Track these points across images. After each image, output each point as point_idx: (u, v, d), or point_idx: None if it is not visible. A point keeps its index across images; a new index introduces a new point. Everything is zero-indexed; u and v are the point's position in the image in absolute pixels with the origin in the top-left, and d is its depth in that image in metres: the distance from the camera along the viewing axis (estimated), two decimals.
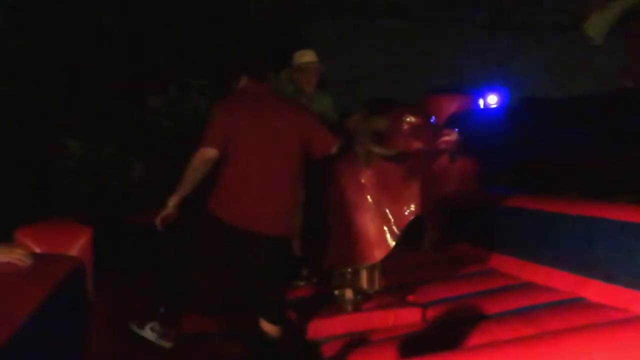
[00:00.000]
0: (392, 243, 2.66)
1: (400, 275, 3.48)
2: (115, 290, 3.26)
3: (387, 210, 2.64)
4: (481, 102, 4.79)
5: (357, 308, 2.84)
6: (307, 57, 3.44)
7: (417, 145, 2.62)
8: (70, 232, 2.77)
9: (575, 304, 2.93)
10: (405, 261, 3.78)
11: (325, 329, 2.71)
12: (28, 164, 4.27)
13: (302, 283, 3.35)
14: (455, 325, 2.61)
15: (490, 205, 3.96)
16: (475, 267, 3.72)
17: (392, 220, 2.63)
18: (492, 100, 4.79)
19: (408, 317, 2.83)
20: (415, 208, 2.60)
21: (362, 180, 2.71)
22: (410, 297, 3.16)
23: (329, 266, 2.90)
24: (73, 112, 4.43)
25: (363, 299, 2.88)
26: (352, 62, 7.39)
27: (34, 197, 4.14)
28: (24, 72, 4.21)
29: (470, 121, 4.62)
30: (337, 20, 8.01)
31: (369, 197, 2.68)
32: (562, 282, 3.17)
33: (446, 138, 2.65)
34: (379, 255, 2.70)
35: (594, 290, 2.97)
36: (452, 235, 4.29)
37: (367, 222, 2.68)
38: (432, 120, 2.77)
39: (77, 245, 2.72)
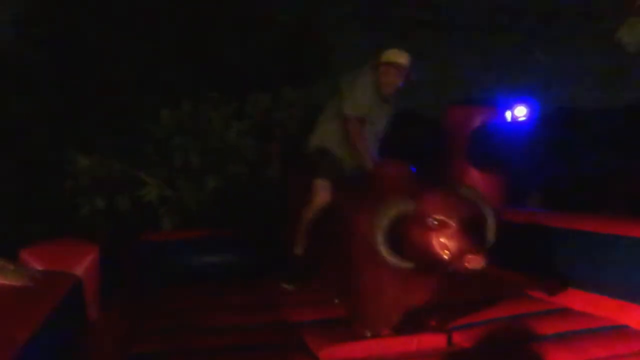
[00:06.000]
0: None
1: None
2: (122, 308, 3.20)
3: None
4: (508, 115, 4.51)
5: (376, 333, 2.67)
6: (401, 58, 3.15)
7: None
8: (75, 251, 2.74)
9: (618, 331, 2.73)
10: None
11: (342, 353, 2.54)
12: (38, 180, 4.24)
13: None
14: (485, 351, 2.46)
15: (520, 225, 3.71)
16: (506, 290, 3.48)
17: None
18: (521, 112, 4.49)
19: (432, 343, 2.65)
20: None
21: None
22: (434, 322, 2.95)
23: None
24: (83, 127, 4.41)
25: None
26: None
27: (43, 213, 4.10)
28: (37, 87, 4.22)
29: (497, 135, 4.40)
30: (361, 33, 7.94)
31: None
32: (602, 307, 2.96)
33: None
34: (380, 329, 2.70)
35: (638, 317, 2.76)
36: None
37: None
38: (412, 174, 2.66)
39: (83, 264, 2.68)
